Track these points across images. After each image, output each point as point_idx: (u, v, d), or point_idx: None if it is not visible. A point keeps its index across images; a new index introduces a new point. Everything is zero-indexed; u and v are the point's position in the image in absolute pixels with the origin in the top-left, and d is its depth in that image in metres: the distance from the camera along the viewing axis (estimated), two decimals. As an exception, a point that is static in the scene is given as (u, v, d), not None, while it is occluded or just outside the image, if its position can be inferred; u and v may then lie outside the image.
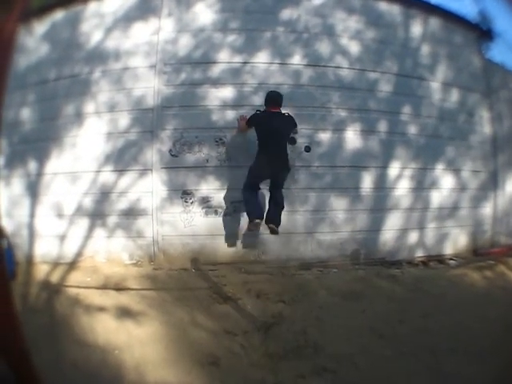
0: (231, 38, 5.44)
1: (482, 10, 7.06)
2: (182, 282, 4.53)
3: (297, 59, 5.50)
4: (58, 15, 5.87)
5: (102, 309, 3.61)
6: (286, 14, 5.56)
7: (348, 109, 5.56)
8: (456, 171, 6.17)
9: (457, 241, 6.16)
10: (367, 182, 5.51)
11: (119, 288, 4.16)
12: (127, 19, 5.48)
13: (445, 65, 6.27)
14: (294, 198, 5.25)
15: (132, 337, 3.14)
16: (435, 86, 6.14)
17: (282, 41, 5.51)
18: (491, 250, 6.15)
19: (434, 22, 6.37)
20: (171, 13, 5.45)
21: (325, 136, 5.47)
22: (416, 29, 6.16)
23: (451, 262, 5.98)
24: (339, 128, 5.48)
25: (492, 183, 6.47)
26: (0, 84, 1.31)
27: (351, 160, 5.47)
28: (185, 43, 5.38)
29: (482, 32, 6.86)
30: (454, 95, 6.28)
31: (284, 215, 4.88)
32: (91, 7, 5.64)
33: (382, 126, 5.68)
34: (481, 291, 5.13)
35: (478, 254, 5.98)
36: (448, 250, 6.07)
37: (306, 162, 5.40)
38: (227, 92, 5.34)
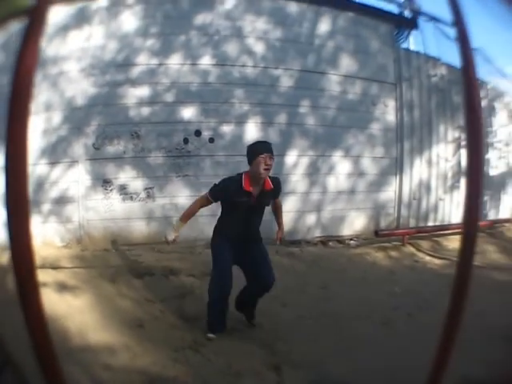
0: (150, 42, 6.24)
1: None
2: (105, 261, 5.25)
3: (206, 60, 6.31)
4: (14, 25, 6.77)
5: (44, 285, 4.02)
6: (200, 18, 6.35)
7: (250, 103, 6.34)
8: (355, 158, 6.86)
9: (355, 222, 6.86)
10: None
11: (55, 267, 4.80)
12: (65, 28, 6.30)
13: (350, 58, 6.95)
14: (199, 184, 6.05)
15: (71, 307, 3.66)
16: (337, 79, 6.84)
17: (195, 43, 6.31)
18: (394, 232, 6.78)
19: (346, 18, 7.10)
20: (102, 21, 6.26)
21: (228, 128, 6.30)
22: (324, 26, 6.87)
23: (351, 242, 6.65)
24: (241, 121, 6.29)
25: (396, 169, 7.15)
26: None
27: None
28: (111, 48, 6.21)
29: (402, 22, 7.62)
30: (357, 87, 6.99)
31: (188, 200, 5.62)
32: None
33: (282, 118, 6.42)
34: (383, 268, 5.79)
35: (378, 234, 6.54)
36: (347, 231, 6.77)
37: (211, 152, 6.24)
38: (143, 91, 6.19)
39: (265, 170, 3.23)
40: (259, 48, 6.49)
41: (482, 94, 9.05)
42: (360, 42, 6.94)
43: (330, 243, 6.55)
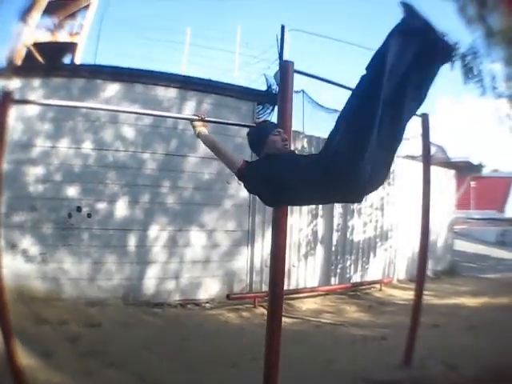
0: (46, 126, 10.09)
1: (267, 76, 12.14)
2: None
3: (87, 144, 10.29)
4: None
5: None
6: (85, 105, 9.29)
7: (120, 184, 10.52)
8: (209, 231, 11.33)
9: (210, 288, 11.26)
10: (132, 240, 10.46)
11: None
12: None
13: None
14: (80, 252, 10.04)
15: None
16: (195, 160, 11.23)
17: (80, 128, 10.25)
18: (245, 295, 11.10)
19: (211, 99, 11.50)
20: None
21: (102, 205, 10.37)
22: (188, 109, 11.06)
23: (207, 304, 11.01)
24: (113, 199, 10.39)
25: (247, 240, 11.71)
26: None
27: (120, 224, 10.39)
28: (17, 129, 9.65)
29: (265, 98, 12.09)
30: (214, 167, 11.24)
31: (71, 265, 9.95)
32: None
33: (146, 197, 10.73)
34: (234, 325, 9.79)
35: (230, 298, 10.74)
36: (202, 295, 11.16)
37: (89, 225, 10.15)
38: (39, 170, 10.03)
39: (284, 145, 3.93)
40: (130, 134, 10.65)
41: None
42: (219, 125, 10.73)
43: (188, 305, 10.78)
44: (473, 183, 57.37)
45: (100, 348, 7.24)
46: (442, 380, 6.57)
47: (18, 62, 19.01)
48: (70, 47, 22.33)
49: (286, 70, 5.18)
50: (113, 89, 10.68)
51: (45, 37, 21.95)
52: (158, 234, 10.88)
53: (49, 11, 21.71)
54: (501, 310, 11.61)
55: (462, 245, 32.19)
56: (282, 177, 3.61)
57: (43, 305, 9.12)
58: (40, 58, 19.63)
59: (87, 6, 22.68)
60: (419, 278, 7.64)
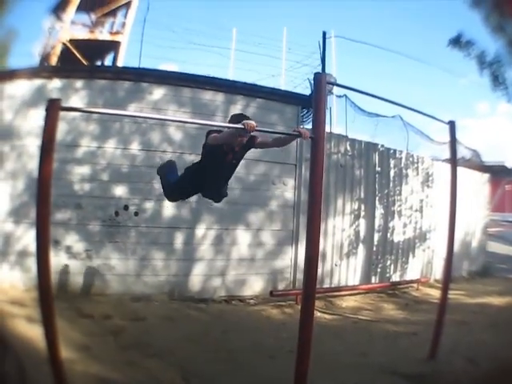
0: (91, 126, 10.54)
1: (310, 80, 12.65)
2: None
3: (135, 145, 10.82)
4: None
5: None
6: (132, 107, 10.54)
7: None
8: (255, 231, 11.81)
9: (254, 285, 11.74)
10: (179, 239, 11.02)
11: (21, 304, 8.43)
12: (27, 104, 10.21)
13: None
14: (126, 249, 10.55)
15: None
16: (243, 162, 11.38)
17: (126, 130, 10.78)
18: (288, 292, 11.57)
19: (256, 103, 11.95)
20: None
21: (149, 204, 10.82)
22: (235, 112, 11.29)
23: (251, 300, 11.47)
24: (160, 199, 10.28)
25: (292, 240, 12.12)
26: None
27: (167, 222, 10.92)
28: (61, 129, 9.90)
29: (309, 102, 12.18)
30: (260, 168, 11.84)
31: (118, 261, 10.51)
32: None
33: (193, 197, 10.87)
34: (276, 321, 10.24)
35: (273, 294, 11.21)
36: (247, 291, 11.63)
37: (136, 223, 10.73)
38: (85, 169, 10.51)
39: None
40: (178, 136, 11.13)
41: (393, 161, 14.66)
42: (267, 126, 10.76)
43: (233, 302, 11.23)
44: (508, 186, 57.26)
45: (143, 340, 7.74)
46: (462, 373, 6.85)
47: (54, 59, 19.28)
48: (112, 46, 22.58)
49: (319, 82, 5.54)
50: (159, 92, 11.13)
51: (82, 34, 22.12)
52: (205, 232, 11.34)
53: (86, 7, 22.08)
54: None
55: (495, 247, 32.21)
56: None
57: (85, 300, 9.71)
58: (79, 56, 19.82)
59: (128, 4, 22.78)
60: (445, 277, 8.18)
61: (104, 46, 22.41)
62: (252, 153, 10.86)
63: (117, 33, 22.67)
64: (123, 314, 8.98)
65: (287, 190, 12.22)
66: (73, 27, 21.70)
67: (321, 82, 5.50)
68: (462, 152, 18.69)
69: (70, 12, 20.86)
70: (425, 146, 17.43)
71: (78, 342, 6.99)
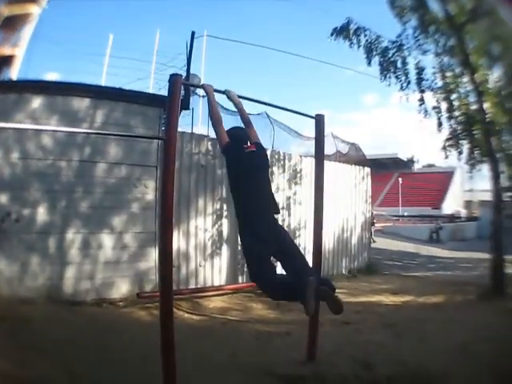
0: None
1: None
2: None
3: (15, 154, 10.92)
4: None
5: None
6: (16, 118, 10.76)
7: (41, 191, 11.28)
8: (118, 233, 12.36)
9: (121, 287, 12.31)
10: (52, 243, 11.20)
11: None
12: None
13: (118, 146, 12.23)
14: (11, 255, 10.67)
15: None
16: (104, 166, 12.21)
17: (10, 140, 10.88)
18: (154, 294, 11.45)
19: (120, 107, 12.35)
20: None
21: (27, 211, 10.99)
22: (100, 117, 12.19)
23: (120, 303, 11.98)
24: (35, 205, 11.03)
25: (155, 241, 12.46)
26: None
27: (41, 228, 11.10)
28: None
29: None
30: (122, 171, 12.30)
31: (4, 266, 10.59)
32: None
33: (63, 203, 11.60)
34: (144, 322, 10.59)
35: (140, 296, 11.76)
36: (116, 294, 12.14)
37: (17, 230, 10.82)
38: None
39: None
40: (49, 143, 11.35)
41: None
42: (128, 129, 11.92)
43: (104, 304, 11.58)
44: (401, 179, 58.60)
45: (32, 341, 7.71)
46: (351, 377, 6.83)
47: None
48: (9, 60, 22.74)
49: (173, 83, 5.68)
50: (37, 102, 11.33)
51: (-4, 51, 22.42)
52: (73, 236, 11.69)
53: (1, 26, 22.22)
54: (426, 309, 12.53)
55: (386, 243, 33.24)
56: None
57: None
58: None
59: (29, 20, 23.12)
60: None
61: (3, 60, 22.57)
62: (113, 155, 12.10)
63: (15, 46, 22.92)
64: (15, 316, 8.93)
65: (148, 192, 12.74)
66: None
67: (175, 83, 5.67)
68: (338, 146, 20.25)
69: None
70: (297, 143, 18.35)
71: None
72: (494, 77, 15.66)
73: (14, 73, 22.02)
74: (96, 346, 7.81)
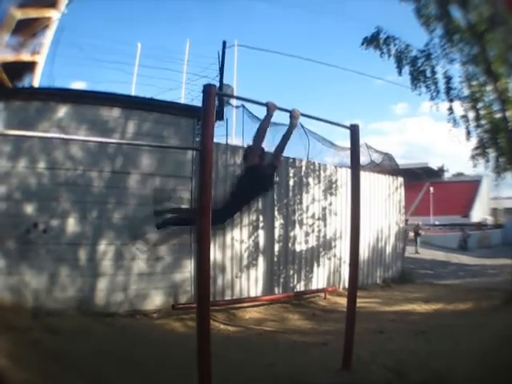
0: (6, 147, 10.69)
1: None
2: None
3: (41, 164, 11.00)
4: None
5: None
6: (41, 126, 10.84)
7: (71, 201, 11.36)
8: (153, 245, 12.21)
9: (156, 299, 12.22)
10: (83, 254, 11.26)
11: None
12: None
13: (151, 158, 12.33)
14: (38, 266, 10.67)
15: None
16: (138, 178, 12.19)
17: (35, 149, 10.93)
18: (190, 305, 11.80)
19: (152, 117, 12.46)
20: None
21: (56, 222, 11.07)
22: (132, 128, 12.19)
23: (154, 314, 11.95)
24: (65, 216, 11.13)
25: (191, 253, 12.53)
26: None
27: (72, 239, 11.15)
28: None
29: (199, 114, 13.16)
30: (156, 182, 12.32)
31: (31, 277, 10.57)
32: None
33: (94, 214, 11.64)
34: (179, 333, 10.65)
35: (175, 308, 11.78)
36: (150, 305, 12.09)
37: (45, 241, 10.85)
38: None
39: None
40: (79, 154, 11.43)
41: (292, 170, 15.50)
42: (161, 141, 12.12)
43: (137, 316, 11.56)
44: (432, 189, 58.53)
45: (60, 352, 7.68)
46: None
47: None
48: (31, 66, 22.75)
49: (208, 94, 5.50)
50: (63, 111, 11.36)
51: (11, 56, 22.39)
52: (106, 248, 11.64)
53: (16, 30, 22.20)
54: (455, 315, 12.37)
55: (419, 251, 33.12)
56: None
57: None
58: (5, 78, 20.03)
59: (48, 25, 23.10)
60: (351, 284, 7.94)
61: (25, 66, 22.59)
62: (148, 166, 11.99)
63: (36, 53, 22.92)
64: (41, 327, 8.96)
65: (184, 202, 12.43)
66: (5, 50, 22.01)
67: (210, 93, 5.54)
68: (372, 156, 20.08)
69: (5, 35, 21.18)
70: (331, 153, 18.35)
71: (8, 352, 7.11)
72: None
73: (36, 80, 22.16)
74: (126, 358, 7.84)
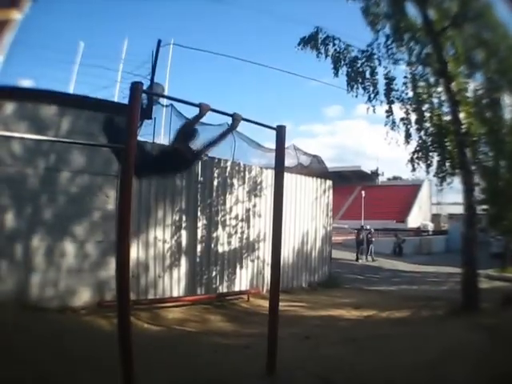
0: None
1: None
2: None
3: None
4: None
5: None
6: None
7: (8, 197, 11.90)
8: (80, 242, 12.97)
9: (82, 295, 12.88)
10: (19, 249, 11.88)
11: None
12: None
13: (82, 155, 12.88)
14: None
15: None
16: (67, 175, 12.80)
17: None
18: (114, 303, 12.21)
19: (85, 115, 12.90)
20: None
21: None
22: (66, 125, 12.74)
23: (82, 311, 12.56)
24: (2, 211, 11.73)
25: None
26: None
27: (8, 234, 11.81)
28: None
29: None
30: (85, 180, 13.03)
31: None
32: None
33: (27, 211, 12.19)
34: (105, 331, 10.98)
35: (101, 305, 12.38)
36: (77, 302, 12.70)
37: None
38: None
39: None
40: (19, 150, 11.88)
41: (217, 170, 16.10)
42: (93, 139, 11.32)
43: (67, 311, 12.05)
44: (364, 192, 59.21)
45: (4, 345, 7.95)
46: None
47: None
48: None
49: (134, 92, 5.75)
50: (9, 109, 11.88)
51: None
52: (38, 244, 12.24)
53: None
54: (391, 324, 12.95)
55: (348, 256, 33.73)
56: None
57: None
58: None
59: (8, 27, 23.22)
60: (273, 286, 8.08)
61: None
62: (76, 164, 12.76)
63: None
64: None
65: (109, 201, 13.28)
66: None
67: (136, 91, 5.73)
68: (300, 158, 20.70)
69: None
70: (258, 155, 18.90)
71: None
72: (473, 85, 16.37)
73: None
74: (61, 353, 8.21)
